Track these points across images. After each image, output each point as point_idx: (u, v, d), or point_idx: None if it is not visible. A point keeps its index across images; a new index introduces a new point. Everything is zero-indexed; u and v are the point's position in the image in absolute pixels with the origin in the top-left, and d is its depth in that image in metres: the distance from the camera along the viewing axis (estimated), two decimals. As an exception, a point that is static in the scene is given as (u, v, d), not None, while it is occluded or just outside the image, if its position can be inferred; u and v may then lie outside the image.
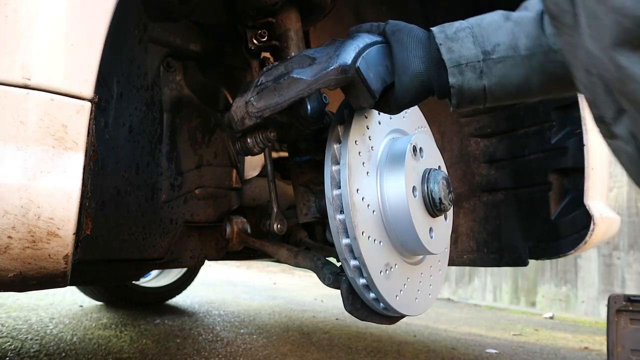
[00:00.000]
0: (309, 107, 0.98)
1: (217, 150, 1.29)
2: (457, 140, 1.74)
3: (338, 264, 1.05)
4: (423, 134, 1.04)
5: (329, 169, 0.89)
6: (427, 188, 0.95)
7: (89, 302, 2.77)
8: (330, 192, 0.88)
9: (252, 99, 0.90)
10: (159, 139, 1.15)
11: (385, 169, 0.94)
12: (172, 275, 2.98)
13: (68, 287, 2.59)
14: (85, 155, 0.69)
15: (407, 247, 0.95)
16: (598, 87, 0.50)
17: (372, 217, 0.91)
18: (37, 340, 1.89)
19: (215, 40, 1.27)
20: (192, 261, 1.28)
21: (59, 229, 0.67)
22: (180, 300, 3.11)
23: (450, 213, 1.07)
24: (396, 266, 0.94)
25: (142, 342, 1.98)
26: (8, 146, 0.64)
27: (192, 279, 3.08)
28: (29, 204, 0.64)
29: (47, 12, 0.67)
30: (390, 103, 0.84)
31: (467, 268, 4.92)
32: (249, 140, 1.04)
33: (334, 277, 1.02)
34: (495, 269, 4.72)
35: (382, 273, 0.90)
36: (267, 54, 1.21)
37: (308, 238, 1.39)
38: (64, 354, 1.73)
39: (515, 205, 1.61)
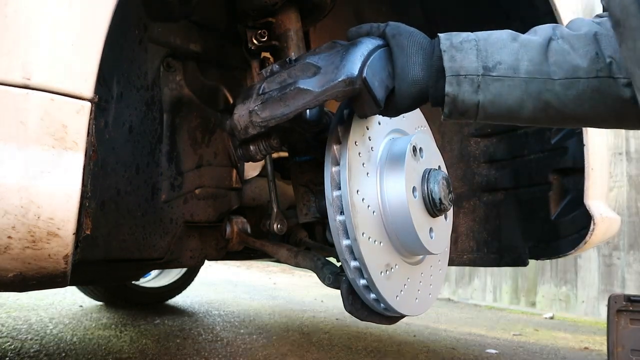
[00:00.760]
0: (308, 111, 0.98)
1: (217, 150, 1.29)
2: (457, 140, 1.74)
3: (338, 264, 1.05)
4: (423, 134, 1.04)
5: (329, 170, 0.89)
6: (427, 188, 0.95)
7: (89, 302, 2.77)
8: (330, 193, 0.88)
9: (256, 108, 0.89)
10: (159, 139, 1.15)
11: (385, 169, 0.94)
12: (172, 275, 2.98)
13: (68, 287, 2.59)
14: (85, 155, 0.69)
15: (407, 247, 0.95)
16: None
17: (372, 218, 0.91)
18: (37, 340, 1.89)
19: (215, 40, 1.27)
20: (192, 261, 1.28)
21: (59, 229, 0.67)
22: (180, 300, 3.11)
23: (450, 213, 1.07)
24: (396, 267, 0.94)
25: (142, 342, 1.98)
26: (8, 146, 0.64)
27: (192, 279, 3.08)
28: (29, 204, 0.64)
29: (47, 12, 0.67)
30: (390, 107, 0.84)
31: (467, 268, 4.92)
32: (251, 147, 1.04)
33: (334, 277, 1.02)
34: (495, 269, 4.71)
35: (382, 274, 0.90)
36: (267, 54, 1.21)
37: (308, 238, 1.40)
38: (64, 354, 1.73)
39: (515, 205, 1.61)
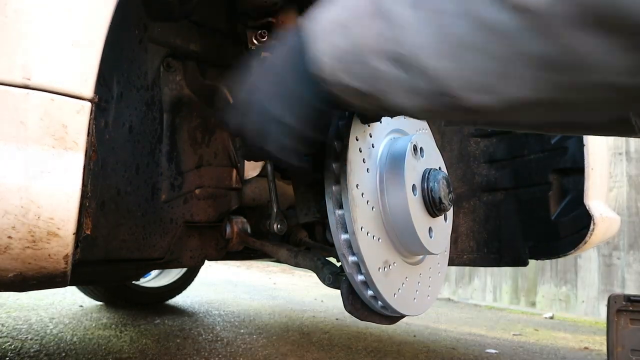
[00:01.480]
0: None
1: (217, 150, 1.29)
2: (457, 140, 1.74)
3: (338, 264, 1.04)
4: (423, 134, 1.04)
5: (330, 165, 0.89)
6: (427, 187, 0.95)
7: (89, 302, 2.77)
8: (329, 187, 0.88)
9: None
10: (159, 139, 1.15)
11: (385, 167, 0.94)
12: (172, 275, 2.98)
13: (68, 287, 2.59)
14: (86, 155, 0.69)
15: (406, 246, 0.95)
16: None
17: (372, 214, 0.90)
18: (37, 340, 1.89)
19: (216, 40, 1.27)
20: (192, 261, 1.28)
21: (59, 229, 0.67)
22: (180, 300, 3.11)
23: (450, 213, 1.07)
24: (395, 264, 0.94)
25: (142, 342, 1.98)
26: (8, 146, 0.64)
27: (192, 279, 3.08)
28: (29, 204, 0.64)
29: (47, 12, 0.67)
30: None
31: (467, 268, 4.92)
32: None
33: (333, 277, 1.02)
34: (495, 269, 4.72)
35: (380, 270, 0.90)
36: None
37: (308, 238, 1.39)
38: (64, 354, 1.73)
39: (515, 205, 1.61)
